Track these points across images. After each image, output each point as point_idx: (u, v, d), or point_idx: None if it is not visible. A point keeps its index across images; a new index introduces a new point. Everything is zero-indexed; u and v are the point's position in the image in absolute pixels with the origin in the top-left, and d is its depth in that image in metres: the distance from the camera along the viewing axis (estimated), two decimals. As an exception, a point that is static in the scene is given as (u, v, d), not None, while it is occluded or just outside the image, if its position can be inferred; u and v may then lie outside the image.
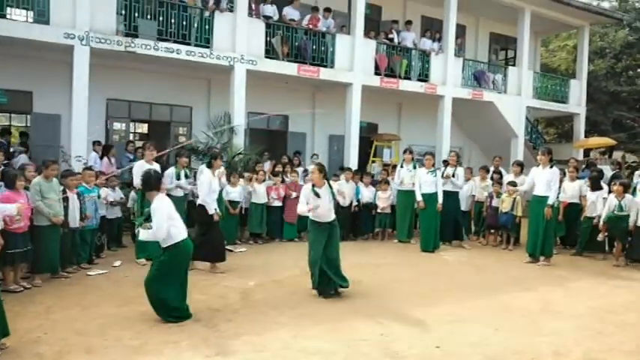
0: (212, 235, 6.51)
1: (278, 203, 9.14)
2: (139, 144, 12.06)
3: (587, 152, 17.29)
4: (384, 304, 5.44)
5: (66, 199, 6.22)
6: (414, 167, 8.96)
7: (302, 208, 5.57)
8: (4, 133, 10.79)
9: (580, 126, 17.58)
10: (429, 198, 8.49)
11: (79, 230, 6.54)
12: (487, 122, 16.09)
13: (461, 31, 16.23)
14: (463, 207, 9.54)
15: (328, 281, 5.57)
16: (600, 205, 8.30)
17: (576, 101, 17.51)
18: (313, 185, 5.60)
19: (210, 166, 6.69)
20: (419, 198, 8.50)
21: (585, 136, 17.81)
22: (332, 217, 5.69)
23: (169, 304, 4.68)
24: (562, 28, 19.40)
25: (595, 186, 8.57)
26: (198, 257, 6.21)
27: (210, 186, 6.50)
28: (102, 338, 4.22)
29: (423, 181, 8.42)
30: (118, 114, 12.25)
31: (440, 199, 8.45)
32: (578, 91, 17.54)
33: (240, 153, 10.71)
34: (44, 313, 4.85)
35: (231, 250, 7.70)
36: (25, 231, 5.55)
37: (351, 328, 4.64)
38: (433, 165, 8.66)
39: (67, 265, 6.33)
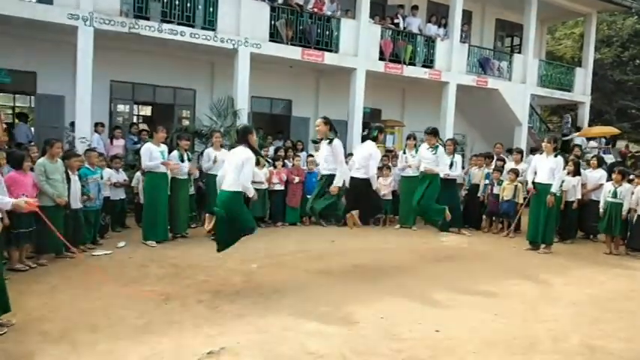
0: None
1: (280, 187, 9.17)
2: (143, 126, 12.09)
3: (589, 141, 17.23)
4: (384, 288, 5.49)
5: (68, 180, 6.26)
6: (417, 153, 8.95)
7: None
8: (20, 117, 10.82)
9: (584, 115, 17.50)
10: (427, 175, 7.60)
11: (82, 211, 6.58)
12: (491, 110, 16.01)
13: (467, 17, 16.07)
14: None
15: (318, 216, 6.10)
16: (579, 189, 8.62)
17: (581, 90, 17.40)
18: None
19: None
20: (416, 172, 7.89)
21: (589, 125, 17.74)
22: (326, 170, 5.85)
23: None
24: (569, 15, 19.16)
25: (575, 171, 8.68)
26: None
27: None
28: (106, 317, 4.29)
29: (424, 158, 7.67)
30: (121, 96, 12.24)
31: (436, 170, 7.47)
32: (583, 79, 17.41)
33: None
34: (49, 292, 4.92)
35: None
36: (29, 211, 5.59)
37: (352, 311, 4.69)
38: (443, 146, 7.89)
39: (71, 246, 6.38)
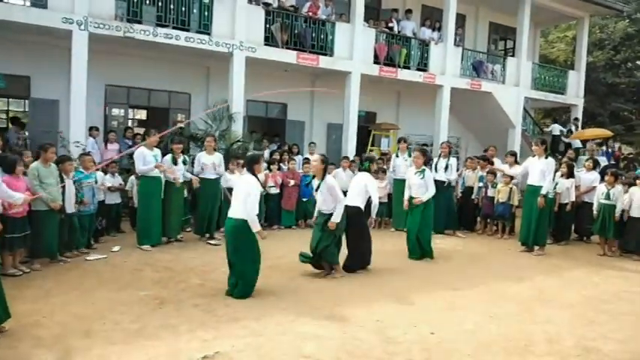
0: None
1: (275, 190, 9.16)
2: (138, 130, 12.05)
3: (584, 143, 17.34)
4: (380, 291, 5.50)
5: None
6: (410, 156, 8.98)
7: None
8: (14, 122, 10.74)
9: (578, 117, 17.61)
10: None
11: (77, 215, 6.55)
12: (485, 112, 16.10)
13: (461, 20, 16.17)
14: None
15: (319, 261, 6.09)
16: (573, 191, 8.67)
17: (574, 92, 17.53)
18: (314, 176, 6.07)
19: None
20: (406, 198, 7.41)
21: (582, 128, 17.84)
22: (325, 208, 5.94)
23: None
24: (562, 18, 19.34)
25: (569, 174, 8.73)
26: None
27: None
28: (100, 322, 4.27)
29: (412, 184, 7.28)
30: (116, 100, 12.21)
31: (424, 198, 7.18)
32: (576, 82, 17.55)
33: (238, 141, 10.71)
34: (43, 297, 4.89)
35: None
36: (23, 216, 5.58)
37: (348, 314, 4.70)
38: (425, 164, 7.34)
39: (65, 250, 6.36)
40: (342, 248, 6.22)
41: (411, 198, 7.30)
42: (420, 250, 7.18)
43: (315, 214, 6.21)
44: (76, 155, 8.07)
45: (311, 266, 6.15)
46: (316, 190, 6.05)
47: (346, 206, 6.04)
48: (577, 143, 16.14)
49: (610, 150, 16.84)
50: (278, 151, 10.78)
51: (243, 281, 5.06)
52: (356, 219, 6.28)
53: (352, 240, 6.36)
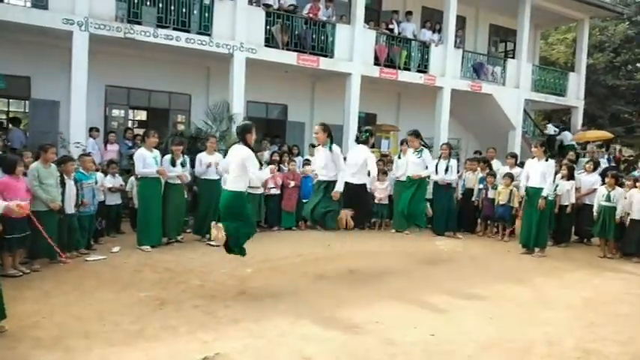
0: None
1: (275, 191, 9.16)
2: (138, 131, 12.05)
3: (584, 145, 17.36)
4: (379, 293, 5.49)
5: (63, 185, 6.23)
6: (418, 152, 8.95)
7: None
8: (14, 122, 10.75)
9: (578, 119, 17.63)
10: (414, 180, 7.33)
11: (77, 216, 6.55)
12: (485, 114, 16.10)
13: (461, 22, 16.18)
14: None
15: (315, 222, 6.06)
16: (573, 193, 8.67)
17: (574, 94, 17.53)
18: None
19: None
20: (402, 177, 7.68)
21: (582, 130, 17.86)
22: (324, 176, 5.83)
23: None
24: (562, 21, 19.36)
25: (569, 176, 8.75)
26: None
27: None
28: (100, 323, 4.26)
29: (410, 162, 7.50)
30: (116, 101, 12.21)
31: (423, 173, 7.28)
32: (576, 84, 17.55)
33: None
34: (42, 297, 4.88)
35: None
36: (22, 216, 5.56)
37: (347, 315, 4.69)
38: (424, 147, 7.49)
39: (65, 251, 6.35)
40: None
41: (408, 178, 7.33)
42: (406, 224, 7.29)
43: (315, 185, 6.06)
44: (76, 156, 8.06)
45: (310, 266, 6.12)
46: (306, 160, 6.05)
47: (346, 183, 5.90)
48: (567, 137, 16.21)
49: (611, 154, 16.87)
50: (278, 152, 10.77)
51: (234, 241, 5.09)
52: (358, 196, 6.11)
53: (355, 207, 6.10)
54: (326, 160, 5.79)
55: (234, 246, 5.16)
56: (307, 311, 4.76)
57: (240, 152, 5.04)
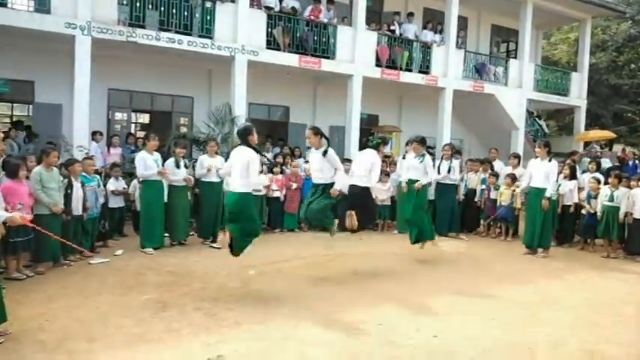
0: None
1: (278, 194, 9.17)
2: (140, 134, 12.10)
3: (587, 145, 17.31)
4: (382, 295, 5.49)
5: (70, 187, 6.27)
6: (420, 157, 8.94)
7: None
8: (18, 126, 10.78)
9: (581, 119, 17.60)
10: (414, 184, 7.29)
11: (81, 219, 6.57)
12: (488, 114, 16.10)
13: (463, 23, 16.19)
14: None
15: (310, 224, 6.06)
16: (576, 193, 8.66)
17: (577, 94, 17.50)
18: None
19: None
20: (403, 183, 7.48)
21: (586, 129, 17.82)
22: (321, 179, 5.79)
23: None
24: (564, 20, 19.32)
25: (571, 175, 8.75)
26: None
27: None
28: (103, 326, 4.27)
29: (410, 167, 7.36)
30: (119, 104, 12.26)
31: (424, 181, 7.22)
32: (579, 84, 17.52)
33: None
34: (46, 301, 4.90)
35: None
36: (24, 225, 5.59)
37: (350, 318, 4.68)
38: (427, 153, 7.52)
39: (68, 254, 6.38)
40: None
41: (409, 182, 7.26)
42: (421, 237, 7.16)
43: (311, 189, 5.99)
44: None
45: (313, 268, 6.12)
46: (306, 162, 6.05)
47: (352, 185, 5.94)
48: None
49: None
50: (280, 154, 10.79)
51: (240, 243, 5.09)
52: (363, 199, 6.12)
53: (360, 210, 6.12)
54: (321, 164, 5.77)
55: (241, 247, 5.16)
56: (310, 314, 4.75)
57: (244, 154, 5.06)
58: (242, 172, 5.01)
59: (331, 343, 4.06)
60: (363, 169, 6.15)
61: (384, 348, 4.02)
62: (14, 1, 9.87)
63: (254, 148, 5.14)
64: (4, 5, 9.29)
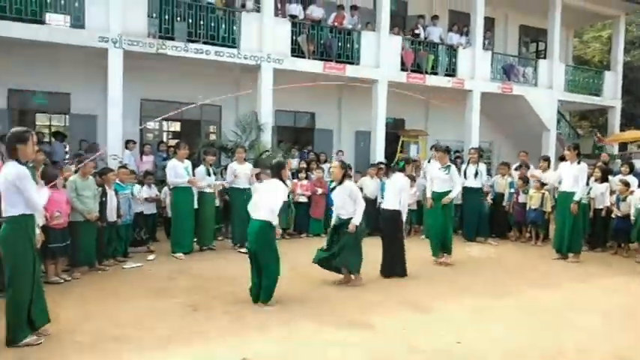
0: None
1: (304, 199, 9.28)
2: (172, 142, 12.43)
3: (623, 146, 16.76)
4: (405, 298, 5.50)
5: (104, 194, 6.54)
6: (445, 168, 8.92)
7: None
8: (56, 136, 11.25)
9: (615, 119, 17.08)
10: (440, 196, 7.35)
11: (115, 226, 6.85)
12: (517, 116, 15.81)
13: (489, 24, 16.00)
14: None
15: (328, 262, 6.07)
16: (608, 197, 8.40)
17: (611, 94, 16.99)
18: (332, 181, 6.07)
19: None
20: (428, 195, 7.51)
21: (621, 130, 17.27)
22: (345, 215, 5.95)
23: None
24: (595, 18, 18.84)
25: (603, 178, 8.52)
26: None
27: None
28: (135, 328, 4.44)
29: (435, 177, 7.39)
30: (151, 113, 12.62)
31: (453, 195, 7.29)
32: (613, 83, 17.02)
33: (267, 151, 10.91)
34: (82, 303, 5.13)
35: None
36: (64, 227, 5.88)
37: (373, 321, 4.73)
38: (453, 161, 7.81)
39: (103, 259, 6.65)
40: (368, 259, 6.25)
41: (435, 195, 7.35)
42: (441, 250, 7.32)
43: (333, 220, 6.18)
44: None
45: (326, 270, 6.17)
46: (331, 191, 6.22)
47: (383, 209, 6.19)
48: None
49: None
50: (305, 159, 10.91)
51: (268, 282, 5.13)
52: (392, 223, 6.44)
53: (386, 244, 6.47)
54: (343, 201, 5.96)
55: (267, 293, 5.16)
56: (332, 317, 4.82)
57: (277, 188, 5.24)
58: (267, 202, 5.14)
59: (353, 346, 4.11)
60: (393, 194, 6.45)
61: (405, 352, 4.04)
62: (52, 19, 10.35)
63: (285, 183, 5.37)
64: (43, 22, 9.76)
